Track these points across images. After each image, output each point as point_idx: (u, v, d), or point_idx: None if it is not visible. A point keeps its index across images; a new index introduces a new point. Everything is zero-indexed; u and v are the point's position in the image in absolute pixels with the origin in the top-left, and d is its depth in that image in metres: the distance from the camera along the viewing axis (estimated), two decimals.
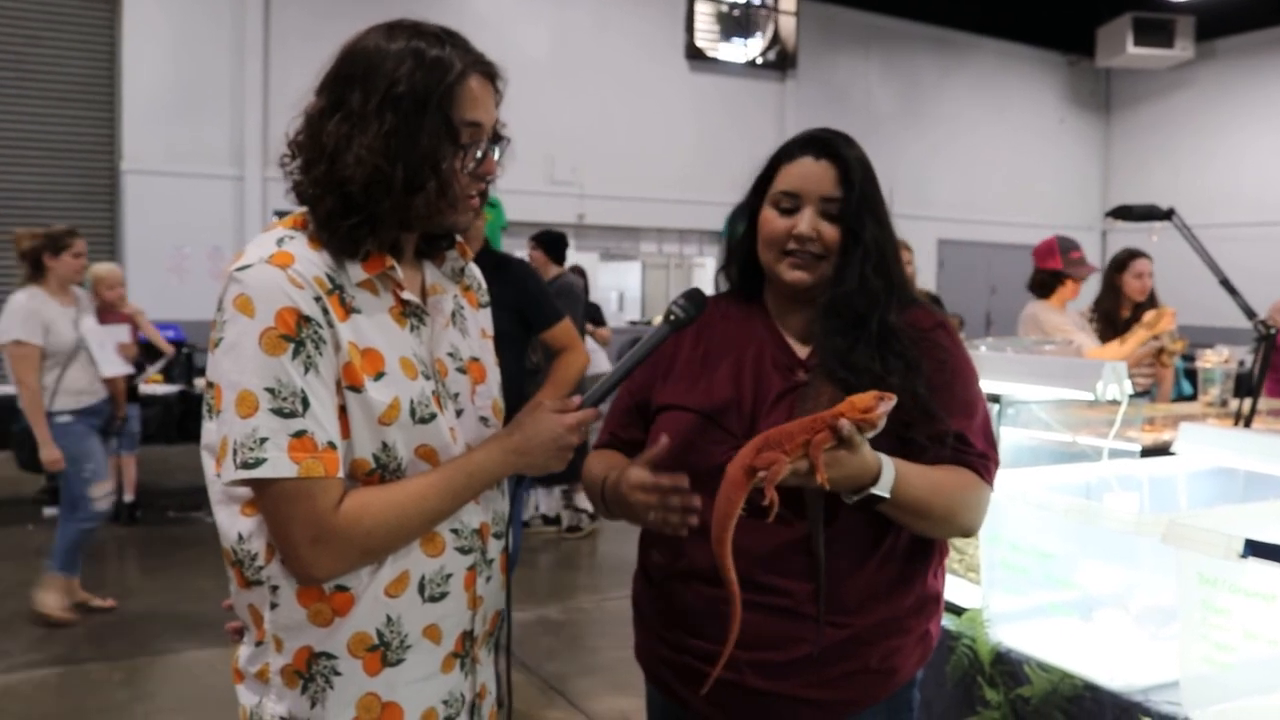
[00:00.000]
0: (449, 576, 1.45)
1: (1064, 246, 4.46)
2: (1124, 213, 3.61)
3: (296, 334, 1.31)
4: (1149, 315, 4.26)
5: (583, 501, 6.72)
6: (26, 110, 9.97)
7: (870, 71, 13.95)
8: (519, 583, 5.59)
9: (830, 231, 1.63)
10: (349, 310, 1.37)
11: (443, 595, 1.44)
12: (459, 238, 1.57)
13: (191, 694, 4.17)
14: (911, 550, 1.64)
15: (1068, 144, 15.77)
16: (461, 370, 1.51)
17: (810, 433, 1.44)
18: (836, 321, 1.62)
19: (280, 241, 1.37)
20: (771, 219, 1.67)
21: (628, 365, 1.55)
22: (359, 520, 1.33)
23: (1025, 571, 2.32)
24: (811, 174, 1.65)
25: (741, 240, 1.76)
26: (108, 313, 5.84)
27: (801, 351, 1.67)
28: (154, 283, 10.07)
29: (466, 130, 1.41)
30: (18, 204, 9.88)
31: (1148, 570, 2.20)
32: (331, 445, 1.32)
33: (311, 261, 1.36)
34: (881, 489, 1.49)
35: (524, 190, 11.33)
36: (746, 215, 1.75)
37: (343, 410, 1.35)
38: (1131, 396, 2.45)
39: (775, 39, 13.19)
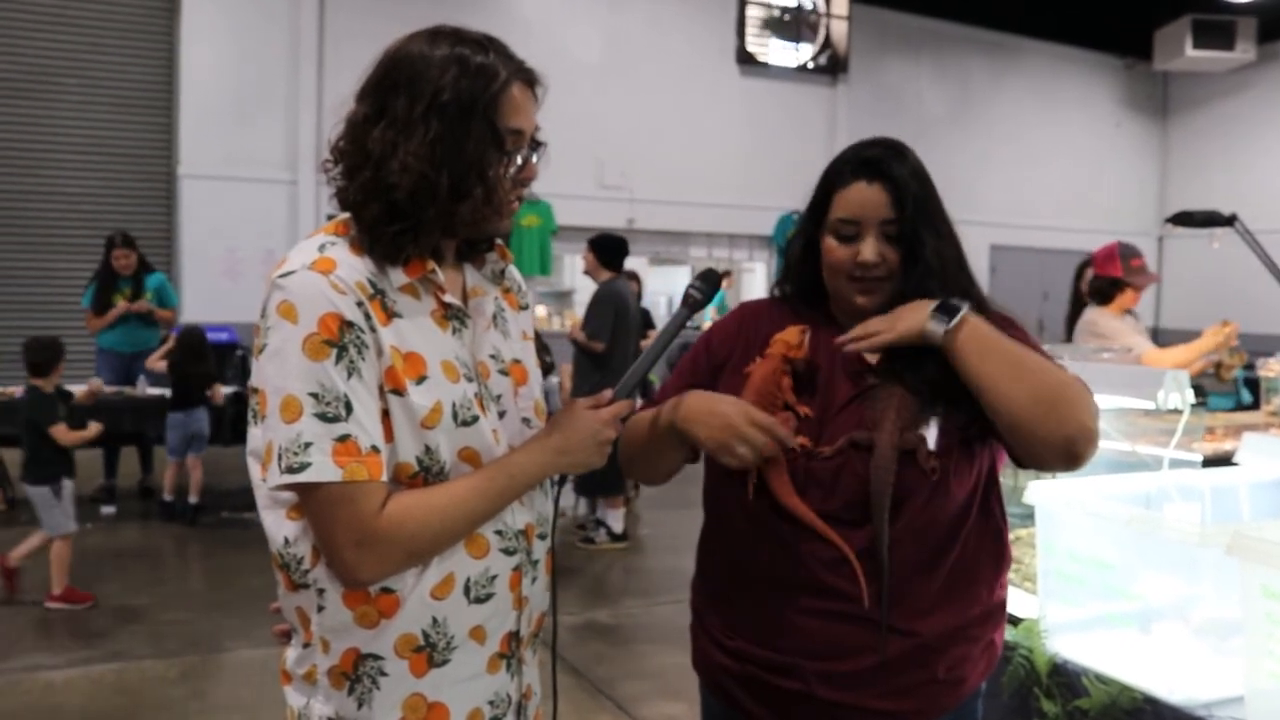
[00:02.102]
0: (494, 578, 1.44)
1: (1125, 254, 4.38)
2: (1185, 219, 3.55)
3: (339, 339, 1.31)
4: (1214, 326, 4.16)
5: (615, 521, 6.67)
6: (88, 116, 10.20)
7: (921, 75, 13.83)
8: (569, 586, 5.64)
9: (893, 254, 1.63)
10: (391, 315, 1.38)
11: (488, 596, 1.44)
12: (499, 240, 1.56)
13: (245, 693, 4.21)
14: (978, 558, 1.61)
15: (1124, 149, 15.52)
16: (504, 372, 1.51)
17: (776, 379, 1.59)
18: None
19: (322, 248, 1.38)
20: (834, 248, 1.65)
21: (654, 351, 1.56)
22: (403, 524, 1.33)
23: (1083, 582, 2.27)
24: (868, 201, 1.63)
25: (801, 260, 1.75)
26: None
27: (871, 358, 1.65)
28: (208, 286, 10.24)
29: (510, 137, 1.42)
30: (78, 208, 10.09)
31: (1209, 582, 2.15)
32: (375, 449, 1.32)
33: (353, 267, 1.36)
34: (938, 312, 1.52)
35: (574, 195, 11.40)
36: (802, 236, 1.74)
37: (386, 414, 1.35)
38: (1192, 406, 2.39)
39: (827, 43, 13.12)
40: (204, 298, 10.09)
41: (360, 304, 1.34)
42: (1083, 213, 14.56)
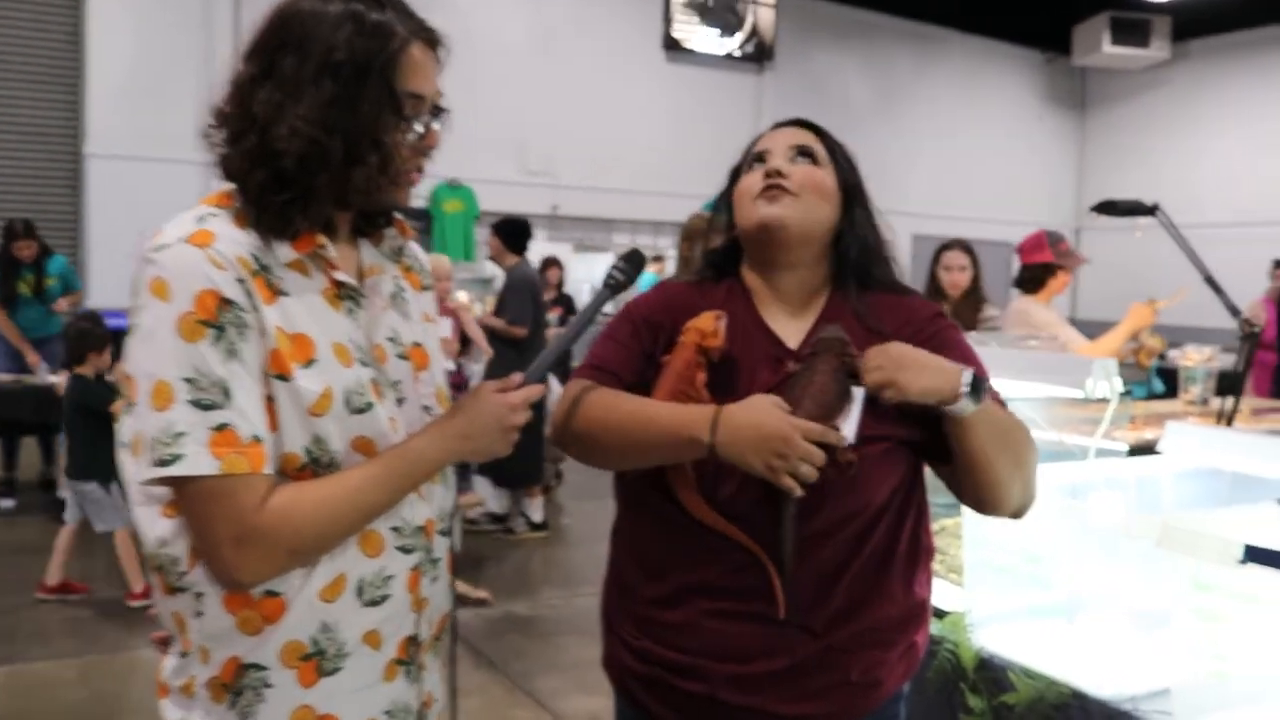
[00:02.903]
0: (390, 578, 1.33)
1: (1052, 239, 4.38)
2: (1108, 208, 3.54)
3: (217, 318, 1.19)
4: (1136, 307, 4.17)
5: (534, 511, 6.56)
6: None
7: (848, 65, 13.87)
8: (487, 578, 5.52)
9: (802, 171, 1.56)
10: (276, 293, 1.26)
11: (383, 598, 1.33)
12: (398, 215, 1.45)
13: (149, 696, 4.03)
14: (895, 555, 1.52)
15: (1044, 142, 15.76)
16: (402, 356, 1.40)
17: (691, 373, 1.48)
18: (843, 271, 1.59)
19: (200, 220, 1.26)
20: (743, 180, 1.59)
21: (570, 335, 1.47)
22: (287, 518, 1.21)
23: (1010, 572, 2.23)
24: (781, 133, 1.61)
25: (725, 236, 1.68)
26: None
27: (792, 342, 1.56)
28: (117, 270, 9.85)
29: (409, 101, 1.31)
30: None
31: (1136, 572, 2.12)
32: (257, 439, 1.20)
33: (235, 240, 1.25)
34: (971, 391, 1.38)
35: (497, 180, 11.22)
36: (725, 209, 1.67)
37: (270, 401, 1.24)
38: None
39: (754, 31, 13.10)
40: (113, 282, 9.71)
41: (241, 280, 1.22)
42: (1004, 204, 14.75)
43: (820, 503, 1.43)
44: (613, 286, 1.50)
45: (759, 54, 13.17)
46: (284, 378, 1.24)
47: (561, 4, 11.97)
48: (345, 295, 1.34)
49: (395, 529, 1.33)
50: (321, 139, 1.24)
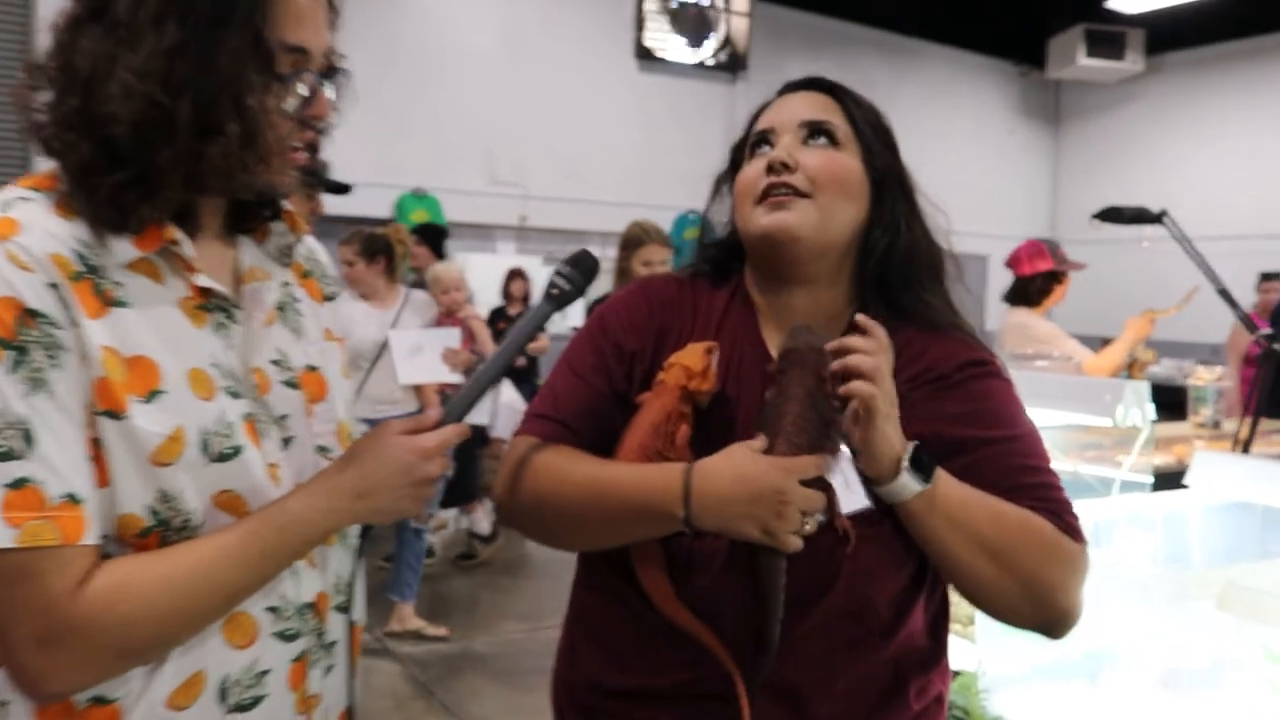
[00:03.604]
0: (264, 674, 1.03)
1: (1050, 247, 4.13)
2: (1113, 215, 3.29)
3: (16, 337, 0.89)
4: (1133, 319, 3.93)
5: (480, 523, 6.21)
6: None
7: (822, 75, 13.67)
8: (437, 611, 5.18)
9: (818, 159, 1.23)
10: (108, 303, 0.96)
11: (255, 701, 1.02)
12: (286, 205, 1.15)
13: None
14: (906, 654, 1.21)
15: (1018, 155, 15.63)
16: (291, 384, 1.09)
17: (672, 425, 1.14)
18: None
19: (7, 206, 0.95)
20: (742, 172, 1.28)
21: (500, 361, 1.14)
22: (112, 607, 0.91)
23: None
24: (789, 104, 1.30)
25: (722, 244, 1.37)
26: (445, 316, 5.34)
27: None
28: None
29: (286, 56, 1.00)
30: None
31: (1168, 624, 1.85)
32: (71, 498, 0.90)
33: (50, 234, 0.94)
34: (915, 471, 1.08)
35: (464, 190, 10.89)
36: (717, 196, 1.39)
37: (97, 446, 0.93)
38: None
39: (727, 40, 12.88)
40: None
41: (55, 285, 0.92)
42: (979, 217, 14.56)
43: (821, 591, 1.12)
44: (556, 298, 1.17)
45: (732, 63, 12.93)
46: (116, 415, 0.93)
47: (532, 10, 11.68)
48: (212, 307, 1.04)
49: (272, 610, 1.03)
50: (163, 100, 0.94)
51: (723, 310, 1.28)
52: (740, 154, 1.36)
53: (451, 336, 4.85)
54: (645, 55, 12.44)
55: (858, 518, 1.14)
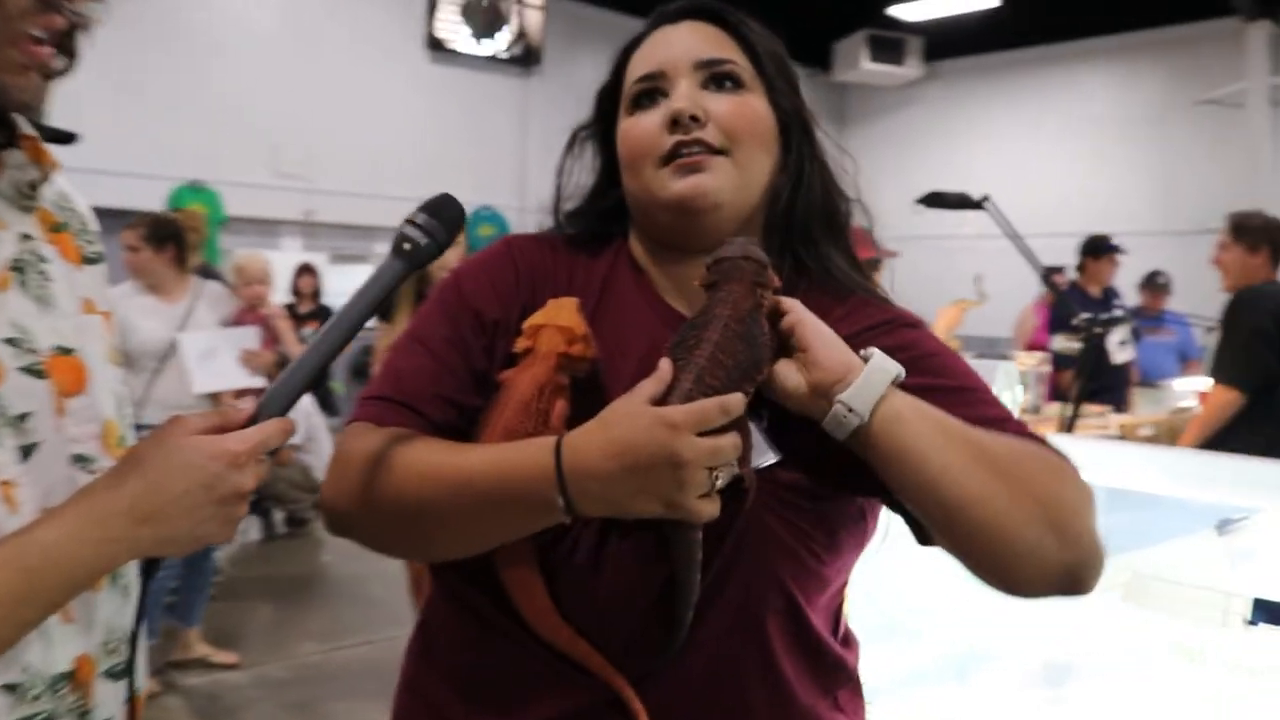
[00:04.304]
0: None
1: (867, 233, 4.11)
2: (936, 200, 3.27)
3: None
4: (945, 309, 3.97)
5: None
6: None
7: None
8: (225, 634, 4.74)
9: (727, 107, 1.04)
10: None
11: None
12: (27, 129, 0.85)
13: None
14: (807, 668, 1.05)
15: None
16: (34, 371, 0.80)
17: (546, 402, 0.93)
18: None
19: None
20: (631, 126, 1.06)
21: (332, 341, 0.87)
22: None
23: (897, 629, 1.82)
24: (677, 39, 1.06)
25: (592, 195, 1.15)
26: (245, 311, 4.68)
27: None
28: None
29: None
30: None
31: (1036, 613, 1.76)
32: None
33: None
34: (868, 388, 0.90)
35: (245, 183, 10.25)
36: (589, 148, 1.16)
37: None
38: None
39: (521, 33, 12.66)
40: None
41: None
42: None
43: (733, 547, 0.94)
44: (409, 254, 0.91)
45: (526, 57, 12.73)
46: None
47: None
48: None
49: (10, 689, 0.74)
50: None
51: (603, 277, 1.06)
52: (609, 103, 1.14)
53: (248, 336, 4.34)
54: (436, 46, 12.09)
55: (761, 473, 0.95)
